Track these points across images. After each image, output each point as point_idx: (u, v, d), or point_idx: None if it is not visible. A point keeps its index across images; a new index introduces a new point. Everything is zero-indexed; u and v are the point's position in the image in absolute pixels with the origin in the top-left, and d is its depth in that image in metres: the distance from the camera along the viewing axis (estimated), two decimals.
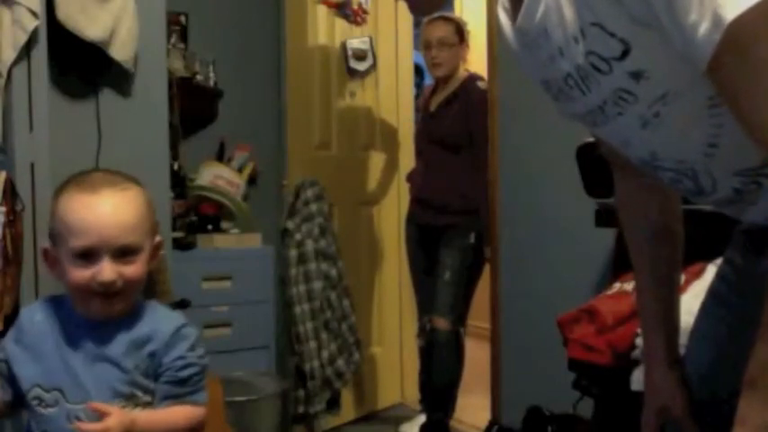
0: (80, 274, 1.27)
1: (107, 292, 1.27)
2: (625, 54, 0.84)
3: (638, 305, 1.25)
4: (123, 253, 1.28)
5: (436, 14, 3.33)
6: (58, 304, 1.37)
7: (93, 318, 1.31)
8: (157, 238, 1.37)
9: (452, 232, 3.17)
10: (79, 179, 1.33)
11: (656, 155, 0.97)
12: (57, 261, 1.32)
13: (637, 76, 0.86)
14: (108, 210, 1.28)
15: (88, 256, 1.26)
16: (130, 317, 1.34)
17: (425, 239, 3.31)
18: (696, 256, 1.15)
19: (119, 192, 1.30)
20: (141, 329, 1.33)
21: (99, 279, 1.26)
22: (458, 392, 3.25)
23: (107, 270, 1.26)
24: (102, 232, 1.26)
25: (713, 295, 1.12)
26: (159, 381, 1.34)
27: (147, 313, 1.36)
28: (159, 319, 1.36)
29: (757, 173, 0.90)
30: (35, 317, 1.35)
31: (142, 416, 1.31)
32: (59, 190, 1.34)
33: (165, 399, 1.34)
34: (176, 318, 1.39)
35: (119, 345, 1.32)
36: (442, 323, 3.12)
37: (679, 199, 1.16)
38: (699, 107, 0.87)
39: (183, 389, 1.35)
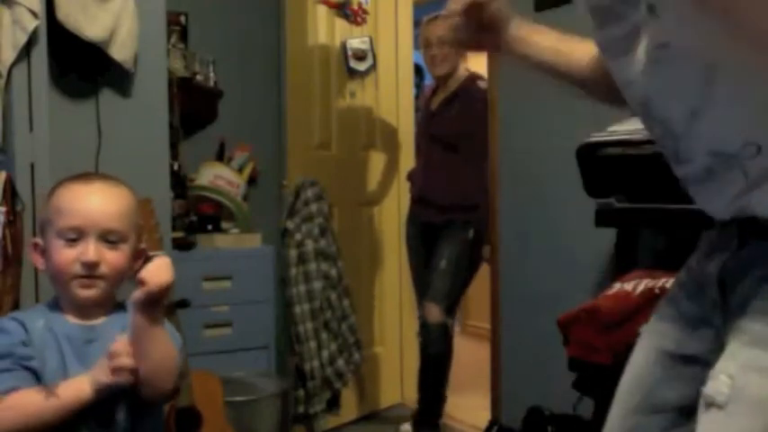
0: (65, 253, 1.31)
1: (89, 274, 1.31)
2: None
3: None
4: (108, 238, 1.33)
5: (436, 14, 3.34)
6: (53, 313, 1.36)
7: (74, 303, 1.33)
8: (142, 245, 1.41)
9: (452, 227, 3.21)
10: (75, 175, 1.41)
11: (650, 101, 0.99)
12: (44, 252, 1.36)
13: (651, 9, 0.89)
14: (97, 196, 1.35)
15: (74, 239, 1.31)
16: (119, 314, 1.36)
17: (427, 237, 3.32)
18: None
19: (110, 185, 1.38)
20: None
21: (83, 258, 1.30)
22: (447, 385, 3.29)
23: (91, 250, 1.31)
24: (89, 214, 1.32)
25: (668, 298, 1.13)
26: None
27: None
28: None
29: (730, 159, 0.92)
30: (36, 323, 1.34)
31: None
32: (55, 186, 1.40)
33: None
34: None
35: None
36: (433, 310, 3.15)
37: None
38: (694, 73, 0.90)
39: None
